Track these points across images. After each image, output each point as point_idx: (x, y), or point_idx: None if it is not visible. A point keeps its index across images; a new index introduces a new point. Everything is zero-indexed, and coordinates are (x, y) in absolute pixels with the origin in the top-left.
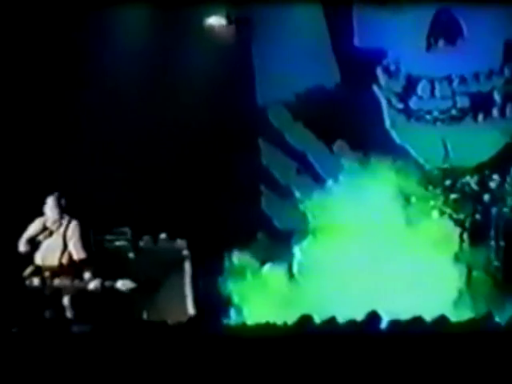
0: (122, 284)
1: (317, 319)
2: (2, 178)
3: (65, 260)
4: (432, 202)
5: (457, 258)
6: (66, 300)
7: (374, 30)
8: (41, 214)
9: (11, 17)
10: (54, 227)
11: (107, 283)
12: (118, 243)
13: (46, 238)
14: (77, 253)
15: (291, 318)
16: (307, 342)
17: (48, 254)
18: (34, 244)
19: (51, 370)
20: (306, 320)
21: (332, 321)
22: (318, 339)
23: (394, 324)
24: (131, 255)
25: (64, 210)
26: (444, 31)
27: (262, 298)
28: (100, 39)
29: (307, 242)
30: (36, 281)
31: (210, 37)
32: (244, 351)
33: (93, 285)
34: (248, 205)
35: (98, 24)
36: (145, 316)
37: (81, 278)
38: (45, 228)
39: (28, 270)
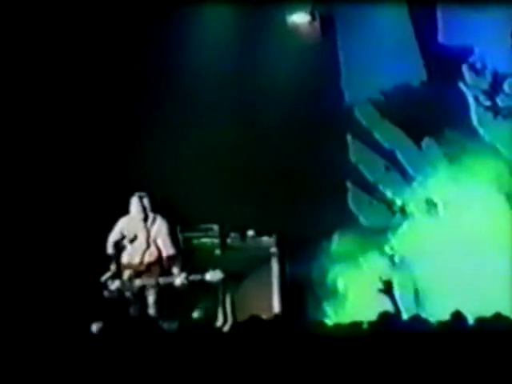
0: (211, 275)
1: (404, 315)
2: (88, 178)
3: (148, 258)
4: None
5: None
6: (151, 299)
7: (459, 28)
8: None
9: (94, 15)
10: (139, 226)
11: (193, 277)
12: (205, 240)
13: (133, 238)
14: (166, 249)
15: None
16: (393, 339)
17: (134, 253)
18: (122, 245)
19: (139, 370)
20: (390, 316)
21: (417, 317)
22: (405, 337)
23: (481, 321)
24: (218, 252)
25: (148, 209)
26: None
27: (357, 289)
28: (183, 38)
29: (396, 239)
30: (117, 282)
31: (295, 34)
32: (326, 349)
33: (179, 279)
34: (336, 202)
35: (181, 23)
36: (230, 313)
37: (167, 275)
38: (131, 228)
39: (107, 275)
